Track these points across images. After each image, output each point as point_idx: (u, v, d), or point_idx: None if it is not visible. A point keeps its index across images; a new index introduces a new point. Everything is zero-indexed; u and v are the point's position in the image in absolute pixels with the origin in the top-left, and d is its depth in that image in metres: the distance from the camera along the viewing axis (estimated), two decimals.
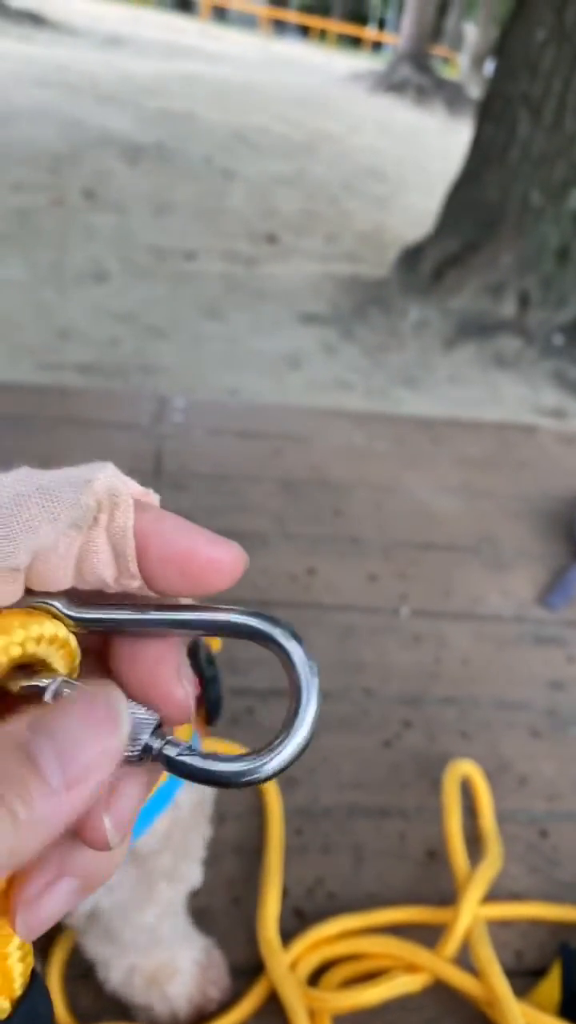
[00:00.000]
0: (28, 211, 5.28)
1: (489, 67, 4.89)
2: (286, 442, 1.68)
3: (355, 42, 20.41)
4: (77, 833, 0.29)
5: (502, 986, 0.78)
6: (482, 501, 1.59)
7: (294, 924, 0.87)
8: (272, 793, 0.97)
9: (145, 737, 0.32)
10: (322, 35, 20.87)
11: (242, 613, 0.34)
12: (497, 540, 1.49)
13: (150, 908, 0.67)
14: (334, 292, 4.75)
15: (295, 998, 0.78)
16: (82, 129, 7.36)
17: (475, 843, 0.96)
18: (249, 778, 0.31)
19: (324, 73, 13.64)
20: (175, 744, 0.32)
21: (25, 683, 0.30)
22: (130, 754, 0.31)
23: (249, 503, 1.49)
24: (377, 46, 19.90)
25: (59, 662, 0.31)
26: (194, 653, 0.67)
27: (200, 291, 4.58)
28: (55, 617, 0.32)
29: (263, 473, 1.58)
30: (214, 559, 0.33)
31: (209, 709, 0.65)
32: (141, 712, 0.32)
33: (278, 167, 7.37)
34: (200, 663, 0.63)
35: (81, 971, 0.81)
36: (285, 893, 0.89)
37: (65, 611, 0.32)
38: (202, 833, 0.70)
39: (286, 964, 0.81)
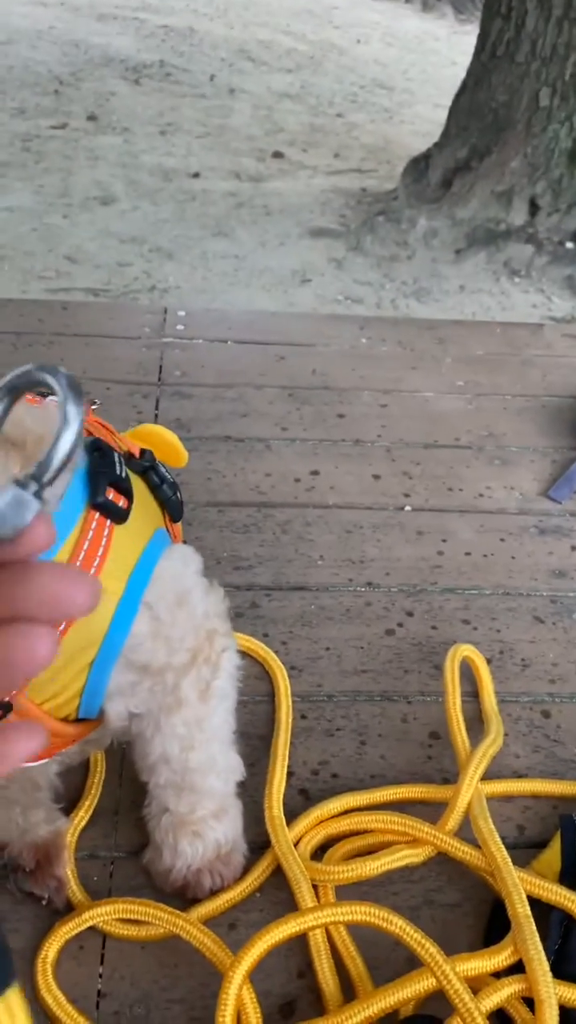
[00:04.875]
0: (32, 136, 5.20)
1: None
2: (289, 348, 1.67)
3: None
4: None
5: (502, 854, 0.80)
6: (487, 400, 1.58)
7: (299, 804, 0.89)
8: (280, 676, 0.99)
9: None
10: None
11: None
12: (501, 437, 1.48)
13: (177, 713, 0.70)
14: (342, 206, 4.67)
15: (298, 871, 0.80)
16: (83, 50, 7.20)
17: (479, 725, 0.97)
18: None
19: None
20: None
21: None
22: None
23: (252, 409, 1.49)
24: None
25: None
26: (152, 466, 0.71)
27: (207, 210, 4.51)
28: None
29: (266, 380, 1.57)
30: None
31: (169, 510, 0.73)
32: None
33: (283, 82, 7.20)
34: (152, 476, 0.72)
35: (89, 852, 0.83)
36: (290, 775, 0.91)
37: None
38: (197, 625, 0.72)
39: (290, 840, 0.83)
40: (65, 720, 0.67)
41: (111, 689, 0.66)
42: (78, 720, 0.68)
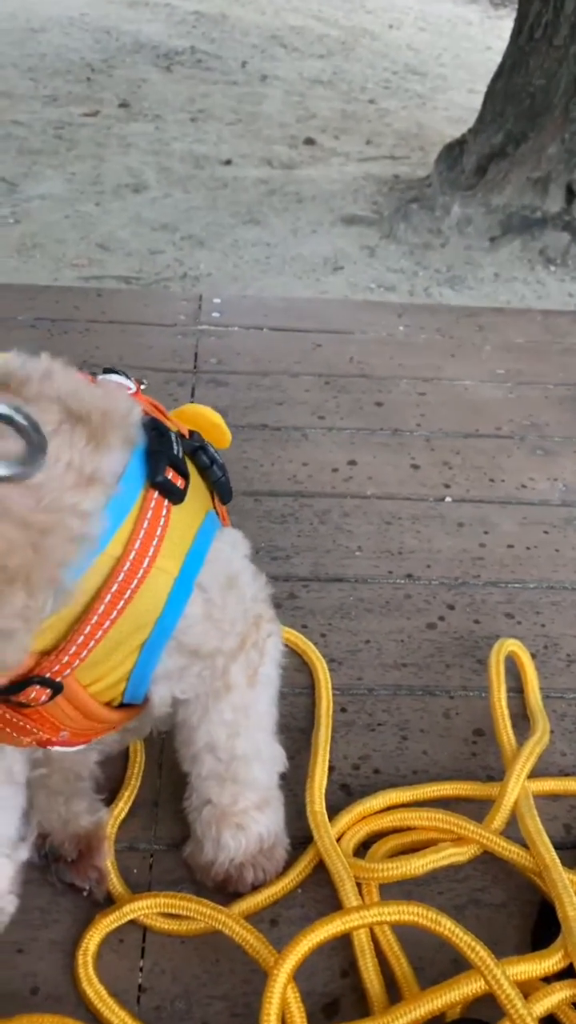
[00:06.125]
0: (64, 124, 5.19)
1: None
2: (325, 336, 1.65)
3: None
4: None
5: (551, 854, 0.78)
6: (528, 389, 1.55)
7: (341, 799, 0.87)
8: (320, 669, 0.98)
9: None
10: None
11: None
12: (544, 427, 1.46)
13: (225, 698, 0.70)
14: (374, 193, 4.64)
15: (342, 868, 0.78)
16: (114, 37, 7.19)
17: (523, 721, 0.95)
18: None
19: None
20: None
21: None
22: None
23: (289, 397, 1.47)
24: None
25: None
26: (202, 447, 0.70)
27: (239, 197, 4.49)
28: None
29: (302, 367, 1.56)
30: None
31: (219, 492, 0.73)
32: None
33: (315, 68, 7.15)
34: (202, 457, 0.71)
35: (128, 844, 0.82)
36: (331, 769, 0.89)
37: None
38: (246, 609, 0.71)
39: (333, 836, 0.81)
40: (108, 705, 0.66)
41: (158, 673, 0.65)
42: (121, 706, 0.67)
